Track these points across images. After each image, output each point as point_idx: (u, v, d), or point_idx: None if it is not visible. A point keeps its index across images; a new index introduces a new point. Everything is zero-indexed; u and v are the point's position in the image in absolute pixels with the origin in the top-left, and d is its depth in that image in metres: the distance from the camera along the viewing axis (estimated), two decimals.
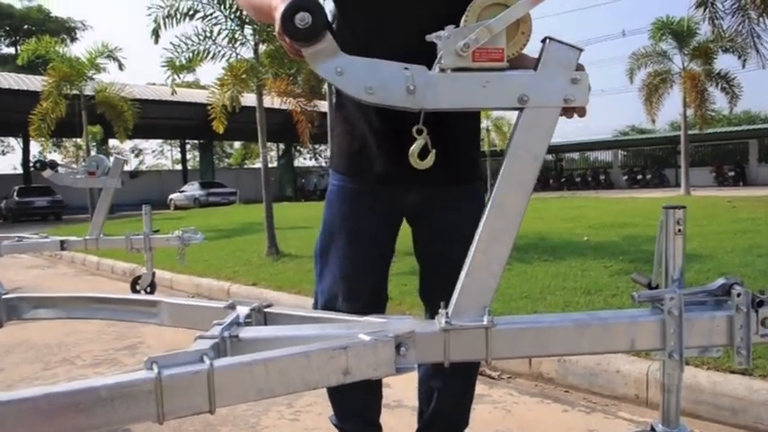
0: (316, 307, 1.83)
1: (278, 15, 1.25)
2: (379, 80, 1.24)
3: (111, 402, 0.99)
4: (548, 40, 1.26)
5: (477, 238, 1.30)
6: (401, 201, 1.73)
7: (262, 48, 7.81)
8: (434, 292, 1.80)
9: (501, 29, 1.23)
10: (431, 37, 1.23)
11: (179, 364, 1.06)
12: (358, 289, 1.75)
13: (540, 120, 1.27)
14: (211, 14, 7.56)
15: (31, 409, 0.96)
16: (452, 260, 1.77)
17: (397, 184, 1.69)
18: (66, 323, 4.41)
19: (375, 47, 1.60)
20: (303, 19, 1.20)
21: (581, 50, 1.27)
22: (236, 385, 1.08)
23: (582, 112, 1.33)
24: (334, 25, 1.71)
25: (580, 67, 1.26)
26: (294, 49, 1.32)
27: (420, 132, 1.36)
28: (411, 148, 1.36)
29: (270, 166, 9.43)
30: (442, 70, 1.24)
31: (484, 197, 1.83)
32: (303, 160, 48.23)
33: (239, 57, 7.87)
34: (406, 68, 1.24)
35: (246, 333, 1.30)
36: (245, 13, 6.91)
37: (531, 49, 1.32)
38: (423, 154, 1.38)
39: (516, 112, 1.28)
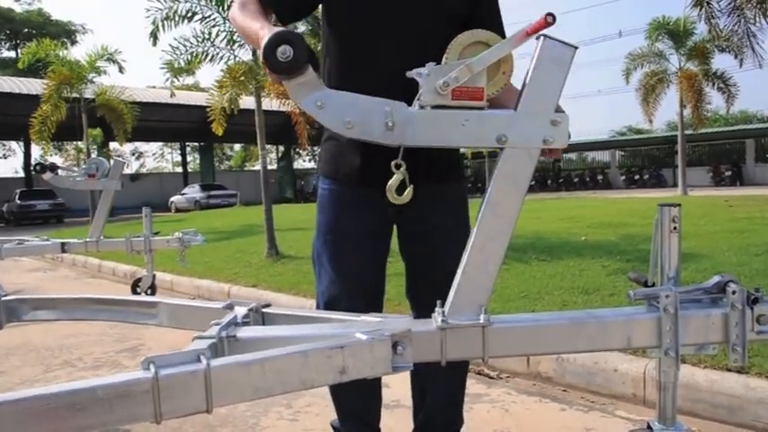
0: (318, 309, 1.86)
1: (261, 45, 1.27)
2: (358, 115, 1.26)
3: (109, 402, 1.00)
4: (542, 38, 1.26)
5: (472, 236, 1.31)
6: (388, 200, 1.75)
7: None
8: (421, 291, 1.85)
9: (481, 69, 1.24)
10: (411, 73, 1.25)
11: (176, 364, 1.06)
12: (355, 289, 1.79)
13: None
14: (210, 16, 7.58)
15: (29, 410, 0.96)
16: (439, 259, 1.81)
17: (382, 184, 1.72)
18: (66, 325, 4.41)
19: (365, 62, 1.67)
20: (285, 52, 1.22)
21: (576, 48, 1.27)
22: (233, 385, 1.08)
23: (557, 153, 1.36)
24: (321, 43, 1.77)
25: (560, 110, 1.27)
26: (277, 78, 1.33)
27: (398, 167, 1.37)
28: (389, 183, 1.39)
29: (269, 168, 9.42)
30: (422, 107, 1.25)
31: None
32: (303, 162, 48.21)
33: (238, 59, 7.88)
34: (387, 104, 1.25)
35: (244, 333, 1.30)
36: None
37: (527, 50, 1.32)
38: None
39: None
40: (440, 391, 1.92)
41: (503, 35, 1.82)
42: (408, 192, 1.40)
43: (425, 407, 1.95)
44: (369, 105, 1.26)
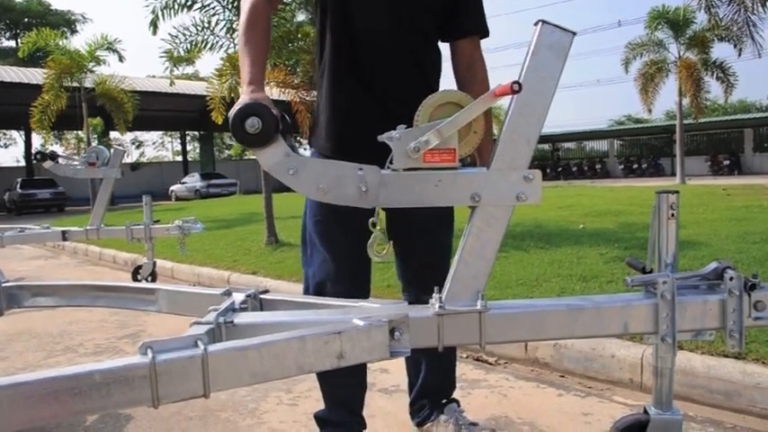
0: (307, 291, 1.88)
1: (231, 114, 1.27)
2: (331, 181, 1.28)
3: (107, 387, 1.00)
4: (540, 23, 1.26)
5: (469, 223, 1.31)
6: None
7: None
8: (414, 274, 1.91)
9: (452, 132, 1.24)
10: (382, 137, 1.24)
11: (173, 349, 1.07)
12: (345, 269, 1.81)
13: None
14: (209, 5, 7.55)
15: (28, 394, 0.97)
16: (422, 247, 1.83)
17: (374, 159, 1.72)
18: (68, 312, 4.43)
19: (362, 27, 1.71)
20: (253, 125, 1.23)
21: (574, 33, 1.26)
22: (230, 370, 1.09)
23: None
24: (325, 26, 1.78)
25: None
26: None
27: (374, 225, 1.39)
28: (369, 241, 1.40)
29: None
30: (395, 170, 1.26)
31: None
32: (303, 150, 48.18)
33: (238, 47, 7.85)
34: (360, 169, 1.25)
35: (241, 319, 1.31)
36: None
37: (523, 37, 1.32)
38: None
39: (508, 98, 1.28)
40: (434, 363, 1.99)
41: (484, 26, 1.83)
42: (389, 248, 1.42)
43: (422, 379, 2.02)
44: (341, 171, 1.28)
